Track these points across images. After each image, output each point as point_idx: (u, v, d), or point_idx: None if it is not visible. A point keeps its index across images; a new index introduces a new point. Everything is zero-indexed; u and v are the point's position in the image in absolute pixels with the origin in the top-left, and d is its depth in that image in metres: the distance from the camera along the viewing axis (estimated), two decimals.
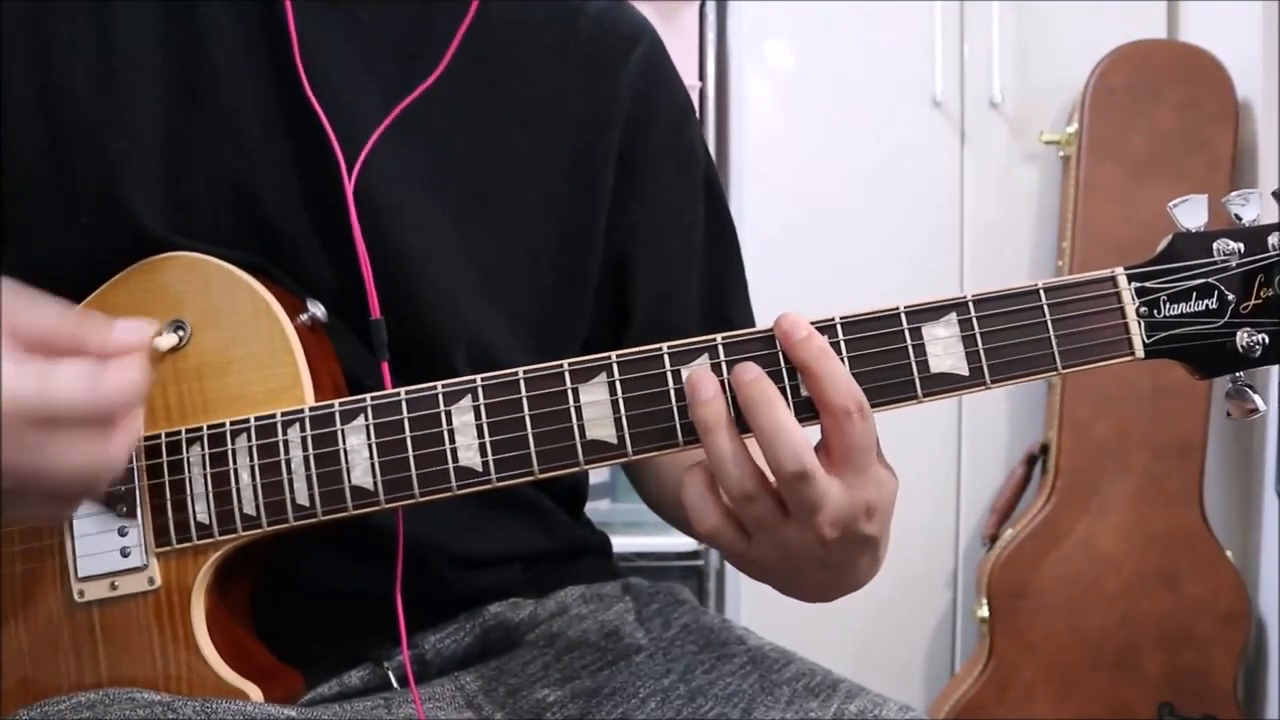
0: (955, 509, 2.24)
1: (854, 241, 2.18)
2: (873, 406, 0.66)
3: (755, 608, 2.18)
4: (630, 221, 0.90)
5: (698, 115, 2.18)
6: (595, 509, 0.98)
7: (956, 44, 2.20)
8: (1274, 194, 0.68)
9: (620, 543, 0.99)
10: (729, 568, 2.25)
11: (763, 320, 0.69)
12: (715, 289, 0.93)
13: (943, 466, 2.23)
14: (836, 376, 0.64)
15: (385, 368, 0.76)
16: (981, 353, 0.67)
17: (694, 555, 2.25)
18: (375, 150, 0.80)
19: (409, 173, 0.81)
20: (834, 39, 2.21)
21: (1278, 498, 1.96)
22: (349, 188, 0.78)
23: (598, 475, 0.95)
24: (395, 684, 0.81)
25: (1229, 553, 2.04)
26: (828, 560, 0.67)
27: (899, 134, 2.20)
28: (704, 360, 0.67)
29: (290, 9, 0.80)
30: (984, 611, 2.07)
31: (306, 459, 0.70)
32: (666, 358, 0.68)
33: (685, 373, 0.66)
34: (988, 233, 2.21)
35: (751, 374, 0.65)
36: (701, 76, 2.26)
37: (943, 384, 0.67)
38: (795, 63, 2.23)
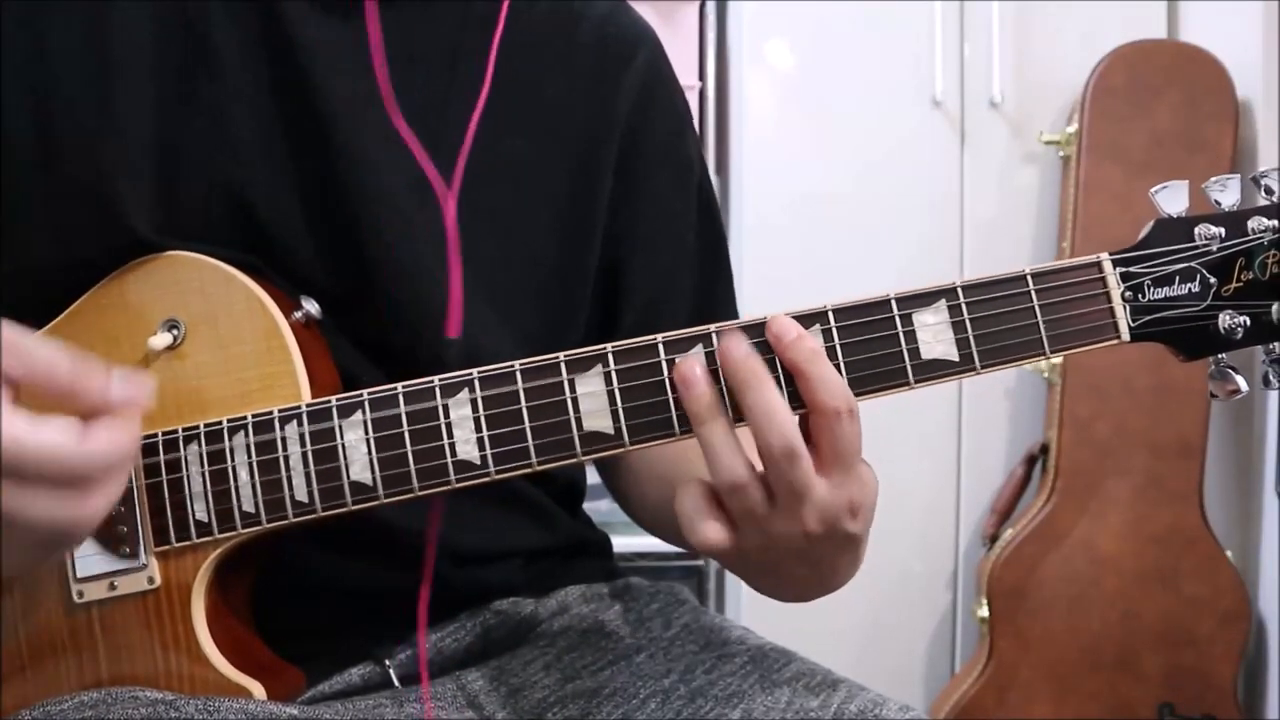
0: (955, 509, 2.24)
1: (854, 241, 2.18)
2: (866, 393, 0.67)
3: (755, 607, 2.18)
4: (623, 227, 0.89)
5: (697, 116, 2.19)
6: (596, 509, 0.99)
7: (956, 44, 2.20)
8: (1252, 179, 0.69)
9: (620, 542, 1.00)
10: None
11: None
12: (705, 297, 0.93)
13: (943, 466, 2.23)
14: (826, 379, 0.65)
15: None
16: (971, 339, 0.68)
17: (694, 555, 2.25)
18: (388, 157, 0.80)
19: (418, 179, 0.81)
20: (834, 39, 2.21)
21: (1278, 498, 1.96)
22: (448, 206, 0.78)
23: (597, 476, 0.95)
24: (396, 681, 0.81)
25: (1229, 553, 2.04)
26: (810, 556, 0.68)
27: (899, 134, 2.20)
28: (699, 350, 0.68)
29: (374, 13, 0.80)
30: (984, 611, 2.07)
31: (305, 455, 0.70)
32: (661, 347, 0.68)
33: (678, 361, 0.67)
34: (988, 233, 2.21)
35: (741, 350, 0.65)
36: (701, 76, 2.26)
37: (933, 370, 0.68)
38: (795, 63, 2.23)
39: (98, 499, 0.61)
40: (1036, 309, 0.68)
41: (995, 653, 2.07)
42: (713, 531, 0.67)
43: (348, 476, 0.70)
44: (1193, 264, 0.69)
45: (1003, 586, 2.06)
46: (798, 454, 0.64)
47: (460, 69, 0.84)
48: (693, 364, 0.66)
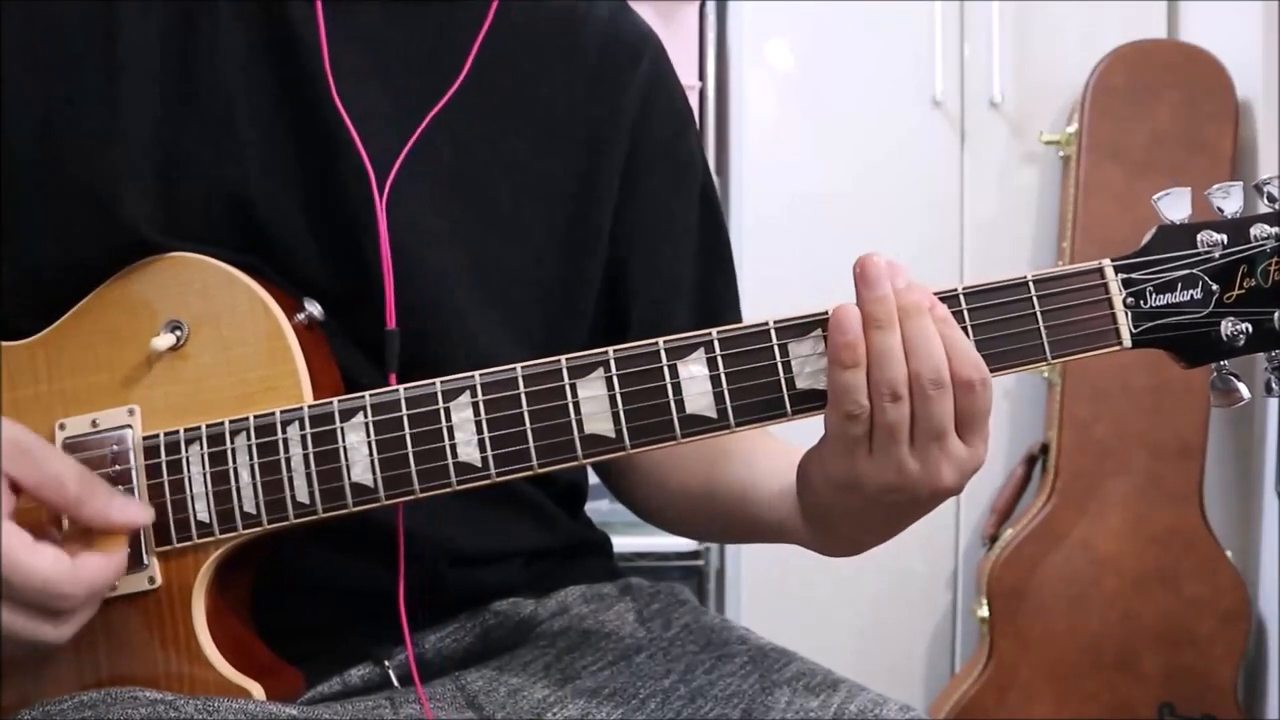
0: (955, 509, 2.24)
1: (854, 241, 2.16)
2: None
3: (755, 608, 2.18)
4: (626, 227, 0.89)
5: (697, 117, 2.19)
6: (596, 509, 0.99)
7: (956, 44, 2.20)
8: (1255, 186, 0.69)
9: (620, 542, 1.00)
10: (729, 568, 2.25)
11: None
12: (706, 295, 0.93)
13: None
14: (958, 345, 0.67)
15: (393, 379, 0.76)
16: (973, 344, 0.68)
17: (694, 555, 2.24)
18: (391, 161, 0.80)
19: (420, 183, 0.81)
20: (834, 39, 2.21)
21: (1278, 498, 1.96)
22: (380, 205, 0.78)
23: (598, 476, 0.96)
24: (396, 682, 0.81)
25: (1229, 553, 2.04)
26: (916, 498, 0.69)
27: (899, 134, 2.20)
28: (700, 355, 0.68)
29: (321, 15, 0.80)
30: (984, 611, 2.07)
31: (306, 457, 0.70)
32: (663, 353, 0.69)
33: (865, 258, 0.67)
34: (988, 233, 2.21)
35: (903, 280, 0.67)
36: (701, 76, 2.26)
37: None
38: (795, 63, 2.23)
39: (74, 625, 0.67)
40: (1038, 315, 0.69)
41: (995, 653, 2.07)
42: (856, 412, 0.67)
43: (349, 478, 0.70)
44: (1195, 271, 0.69)
45: (1003, 586, 2.06)
46: (945, 385, 0.66)
47: (439, 69, 0.84)
48: (879, 261, 0.67)
